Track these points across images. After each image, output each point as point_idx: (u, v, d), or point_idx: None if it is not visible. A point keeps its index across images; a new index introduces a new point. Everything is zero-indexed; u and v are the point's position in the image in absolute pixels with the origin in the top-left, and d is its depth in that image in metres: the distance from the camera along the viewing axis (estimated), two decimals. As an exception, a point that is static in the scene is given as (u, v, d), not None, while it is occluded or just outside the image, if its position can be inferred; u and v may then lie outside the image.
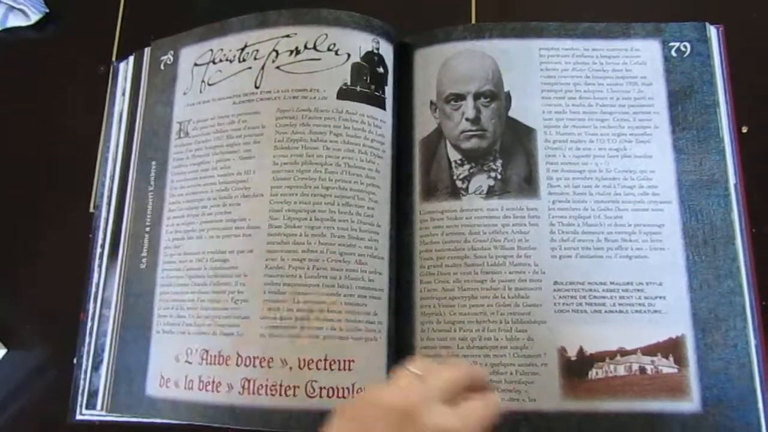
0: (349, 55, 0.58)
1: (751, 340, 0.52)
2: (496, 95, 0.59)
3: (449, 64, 0.60)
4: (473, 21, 0.66)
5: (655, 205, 0.56)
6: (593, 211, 0.56)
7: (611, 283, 0.54)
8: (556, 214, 0.56)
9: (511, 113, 0.59)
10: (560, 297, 0.54)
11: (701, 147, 0.57)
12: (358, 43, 0.58)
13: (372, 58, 0.59)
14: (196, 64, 0.62)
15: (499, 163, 0.58)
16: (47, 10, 0.71)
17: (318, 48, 0.58)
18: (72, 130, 0.67)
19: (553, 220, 0.56)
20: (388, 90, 0.59)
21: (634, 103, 0.58)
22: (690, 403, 0.51)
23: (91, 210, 0.64)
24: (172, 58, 0.64)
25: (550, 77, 0.60)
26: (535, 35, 0.61)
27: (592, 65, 0.60)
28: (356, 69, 0.58)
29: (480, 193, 0.57)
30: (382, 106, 0.58)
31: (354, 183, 0.55)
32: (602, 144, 0.58)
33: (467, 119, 0.58)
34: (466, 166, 0.58)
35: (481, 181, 0.57)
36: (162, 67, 0.64)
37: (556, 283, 0.54)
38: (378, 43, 0.59)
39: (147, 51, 0.66)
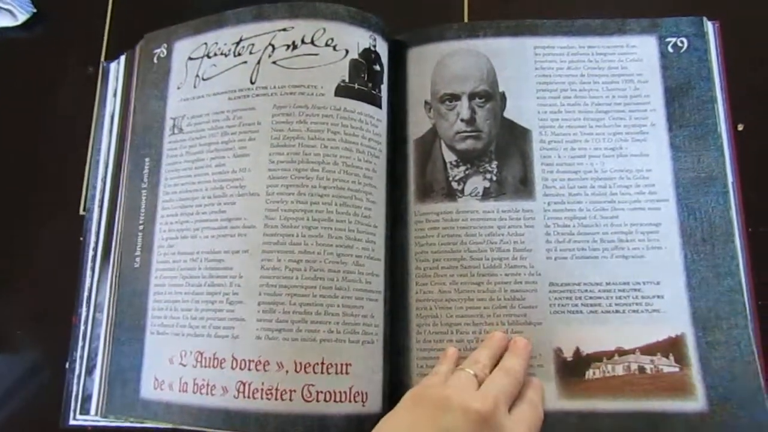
0: (347, 51, 0.57)
1: (752, 338, 0.52)
2: (491, 95, 0.58)
3: (444, 63, 0.60)
4: (466, 17, 0.66)
5: (651, 203, 0.55)
6: (589, 212, 0.56)
7: (607, 283, 0.54)
8: (552, 216, 0.56)
9: (506, 114, 0.58)
10: (556, 298, 0.54)
11: (699, 144, 0.56)
12: (356, 39, 0.58)
13: (369, 56, 0.58)
14: (190, 58, 0.61)
15: (494, 164, 0.57)
16: (35, 10, 0.70)
17: (316, 43, 0.57)
18: (61, 133, 0.66)
19: (549, 222, 0.56)
20: (384, 88, 0.59)
21: (630, 101, 0.58)
22: (695, 402, 0.51)
23: (82, 212, 0.63)
24: (165, 52, 0.63)
25: (545, 76, 0.59)
26: (530, 33, 0.60)
27: (588, 63, 0.59)
28: (354, 66, 0.57)
29: (476, 195, 0.56)
30: (379, 105, 0.58)
31: (352, 183, 0.55)
32: (598, 143, 0.57)
33: (462, 120, 0.58)
34: (462, 168, 0.57)
35: (477, 183, 0.57)
36: (155, 60, 0.63)
37: (551, 284, 0.54)
38: (375, 39, 0.59)
39: (138, 47, 0.65)
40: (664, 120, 0.57)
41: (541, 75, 0.59)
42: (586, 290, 0.54)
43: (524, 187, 0.56)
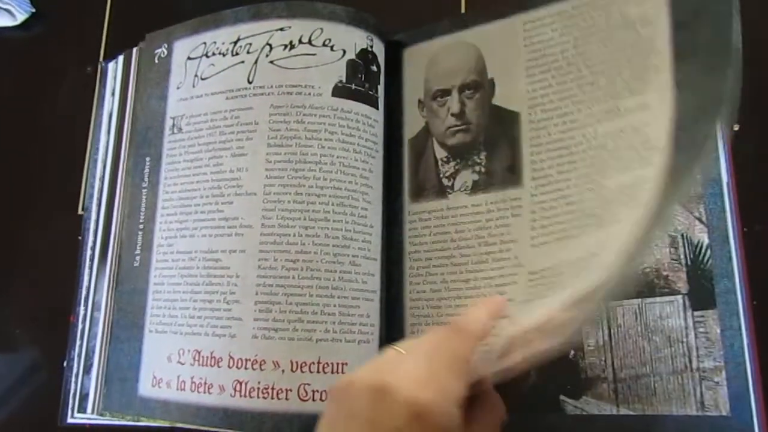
0: (344, 52, 0.57)
1: (745, 339, 0.51)
2: (480, 84, 0.57)
3: (435, 59, 0.60)
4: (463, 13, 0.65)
5: (643, 159, 0.47)
6: (576, 188, 0.51)
7: (578, 258, 0.47)
8: (539, 200, 0.53)
9: (495, 100, 0.57)
10: (530, 287, 0.51)
11: (709, 73, 0.43)
12: (353, 39, 0.58)
13: (366, 56, 0.58)
14: (189, 58, 0.61)
15: (483, 155, 0.56)
16: (33, 10, 0.70)
17: (313, 43, 0.57)
18: (59, 132, 0.67)
19: (535, 207, 0.53)
20: (380, 89, 0.59)
21: (630, 49, 0.50)
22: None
23: (80, 212, 0.63)
24: (166, 51, 0.63)
25: (536, 51, 0.56)
26: (519, 9, 0.57)
27: (582, 23, 0.54)
28: (351, 66, 0.57)
29: (465, 190, 0.56)
30: (375, 105, 0.58)
31: (349, 183, 0.55)
32: (591, 109, 0.52)
33: (452, 114, 0.58)
34: (452, 163, 0.57)
35: (466, 177, 0.56)
36: (156, 60, 0.63)
37: (530, 273, 0.51)
38: (372, 40, 0.59)
39: (138, 48, 0.65)
40: (670, 58, 0.47)
41: (531, 51, 0.56)
42: (560, 273, 0.49)
43: (512, 174, 0.54)
